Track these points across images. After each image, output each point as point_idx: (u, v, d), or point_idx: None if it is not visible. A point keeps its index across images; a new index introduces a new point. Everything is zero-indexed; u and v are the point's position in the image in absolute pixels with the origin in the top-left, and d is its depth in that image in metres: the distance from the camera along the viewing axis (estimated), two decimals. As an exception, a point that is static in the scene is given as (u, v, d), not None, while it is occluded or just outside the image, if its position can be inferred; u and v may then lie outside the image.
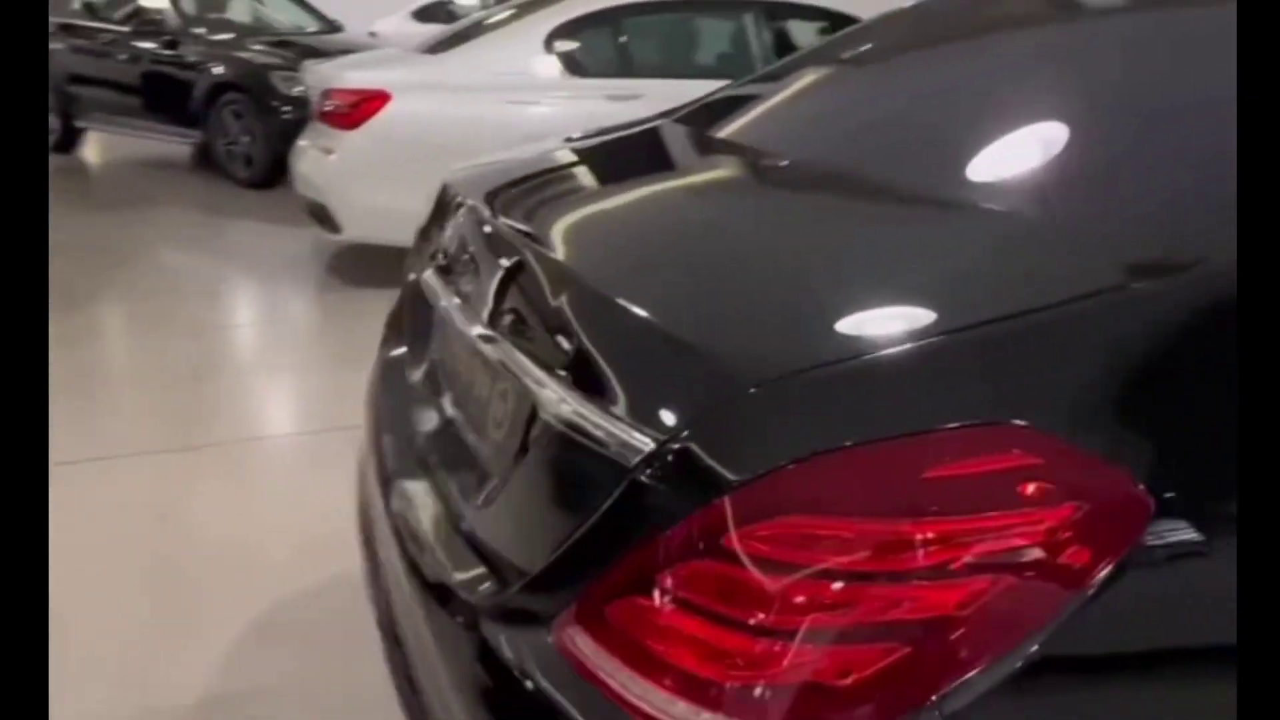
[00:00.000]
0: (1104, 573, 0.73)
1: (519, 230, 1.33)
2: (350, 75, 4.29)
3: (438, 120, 4.17)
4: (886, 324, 0.88)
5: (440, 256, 1.46)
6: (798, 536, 0.77)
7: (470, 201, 1.48)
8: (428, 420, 1.48)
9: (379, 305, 4.47)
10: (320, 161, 4.26)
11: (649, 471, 0.84)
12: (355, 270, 4.91)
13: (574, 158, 1.80)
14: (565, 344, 1.01)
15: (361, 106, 4.07)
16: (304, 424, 3.36)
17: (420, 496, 1.36)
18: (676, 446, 0.82)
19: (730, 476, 0.79)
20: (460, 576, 1.11)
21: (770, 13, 4.71)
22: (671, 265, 1.15)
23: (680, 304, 1.00)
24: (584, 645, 0.88)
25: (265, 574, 2.32)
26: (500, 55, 4.35)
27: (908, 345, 0.81)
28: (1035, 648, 0.73)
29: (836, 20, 5.11)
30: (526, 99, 4.28)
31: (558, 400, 0.98)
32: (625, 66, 4.48)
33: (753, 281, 1.06)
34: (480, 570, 1.10)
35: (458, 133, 4.21)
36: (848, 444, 0.76)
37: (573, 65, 4.39)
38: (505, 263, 1.23)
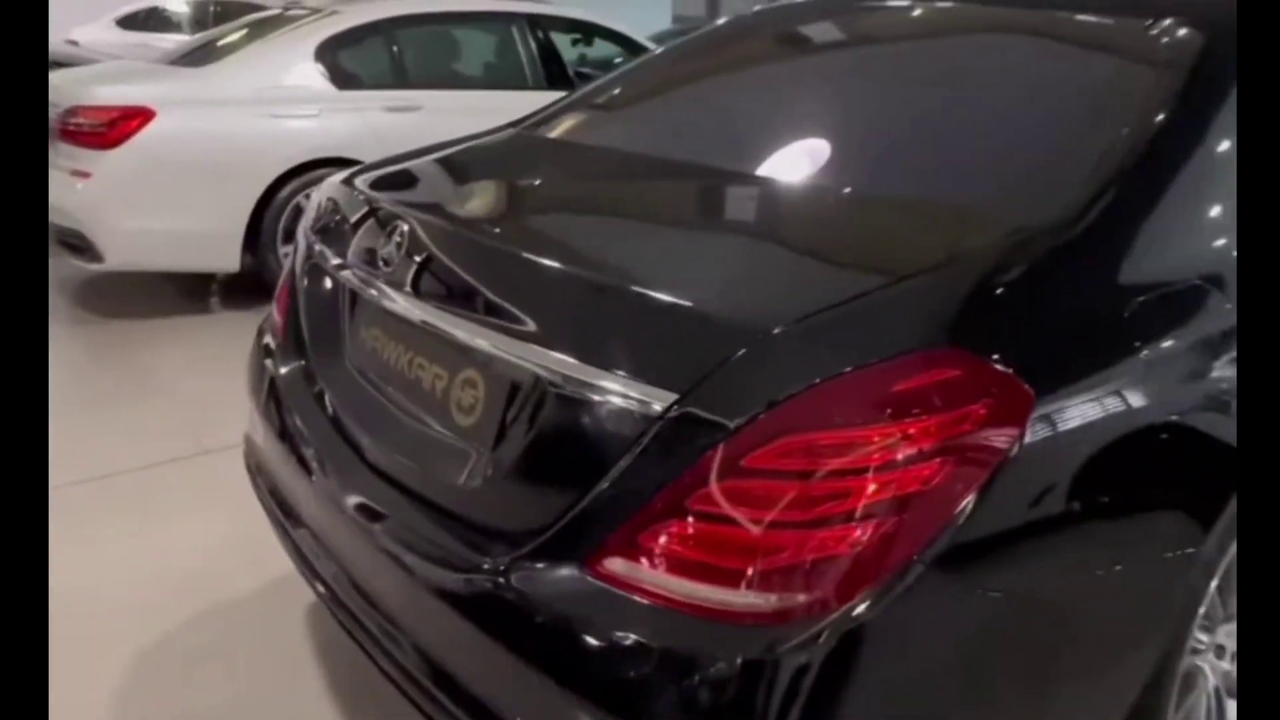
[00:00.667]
0: (1013, 444, 1.04)
1: (477, 227, 1.47)
2: (102, 91, 3.98)
3: (209, 137, 3.99)
4: (841, 282, 1.15)
5: (372, 260, 1.54)
6: (804, 448, 1.01)
7: (399, 204, 1.59)
8: (364, 419, 1.56)
9: (153, 335, 4.23)
10: (71, 186, 3.92)
11: (671, 419, 1.05)
12: (111, 300, 4.54)
13: (475, 159, 1.94)
14: (563, 325, 1.19)
15: (120, 124, 3.80)
16: (110, 465, 3.13)
17: (376, 492, 1.45)
18: (697, 394, 1.04)
19: (746, 411, 1.01)
20: (464, 550, 1.24)
21: (534, 25, 4.92)
22: (633, 250, 1.35)
23: (663, 281, 1.20)
24: (626, 570, 1.07)
25: (139, 622, 2.20)
26: (270, 68, 4.22)
27: (862, 297, 1.08)
28: (975, 506, 1.03)
29: (590, 32, 5.44)
30: (303, 113, 4.20)
31: (565, 374, 1.15)
32: (401, 78, 4.51)
33: (714, 257, 1.29)
34: (484, 539, 1.24)
35: (231, 149, 4.06)
36: (835, 373, 1.02)
37: (347, 78, 4.36)
38: (469, 260, 1.37)
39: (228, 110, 4.05)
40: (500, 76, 4.89)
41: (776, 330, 1.07)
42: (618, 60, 5.99)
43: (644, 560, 1.06)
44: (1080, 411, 1.11)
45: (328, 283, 1.73)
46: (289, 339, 1.85)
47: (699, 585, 1.03)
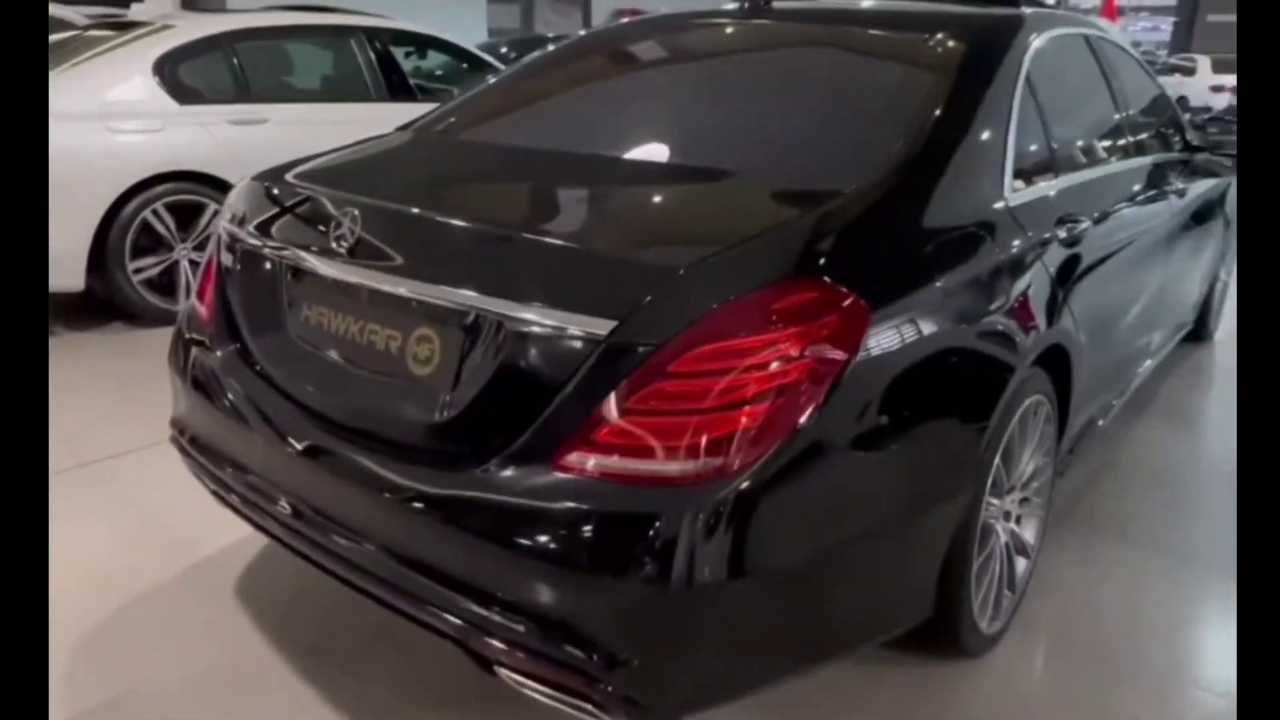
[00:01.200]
0: (858, 345, 1.44)
1: (417, 204, 1.74)
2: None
3: (50, 152, 3.91)
4: (723, 234, 1.52)
5: (316, 244, 1.77)
6: (710, 355, 1.37)
7: (337, 190, 1.83)
8: (317, 384, 1.78)
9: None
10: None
11: (613, 341, 1.38)
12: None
13: (389, 153, 2.20)
14: (512, 278, 1.49)
15: (-50, 143, 3.68)
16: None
17: (337, 440, 1.69)
18: (631, 321, 1.38)
19: (669, 331, 1.36)
20: (442, 470, 1.52)
21: (372, 37, 5.08)
22: (560, 217, 1.67)
23: (590, 238, 1.53)
24: (583, 461, 1.39)
25: (55, 622, 2.27)
26: (107, 83, 4.17)
27: (740, 244, 1.46)
28: (833, 392, 1.42)
29: (425, 44, 5.64)
30: (144, 128, 4.18)
31: (520, 316, 1.46)
32: (244, 92, 4.56)
33: (624, 220, 1.63)
34: (458, 459, 1.51)
35: (71, 165, 3.99)
36: (729, 299, 1.38)
37: (189, 92, 4.37)
38: (416, 233, 1.65)
39: (65, 126, 3.98)
40: (343, 89, 5.01)
41: (681, 271, 1.43)
42: (438, 72, 6.20)
43: (598, 451, 1.39)
44: (902, 317, 1.54)
45: (263, 273, 1.93)
46: (219, 327, 2.02)
47: (643, 463, 1.37)
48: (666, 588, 1.36)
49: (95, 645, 2.18)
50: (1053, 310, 2.03)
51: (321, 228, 1.78)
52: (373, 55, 5.05)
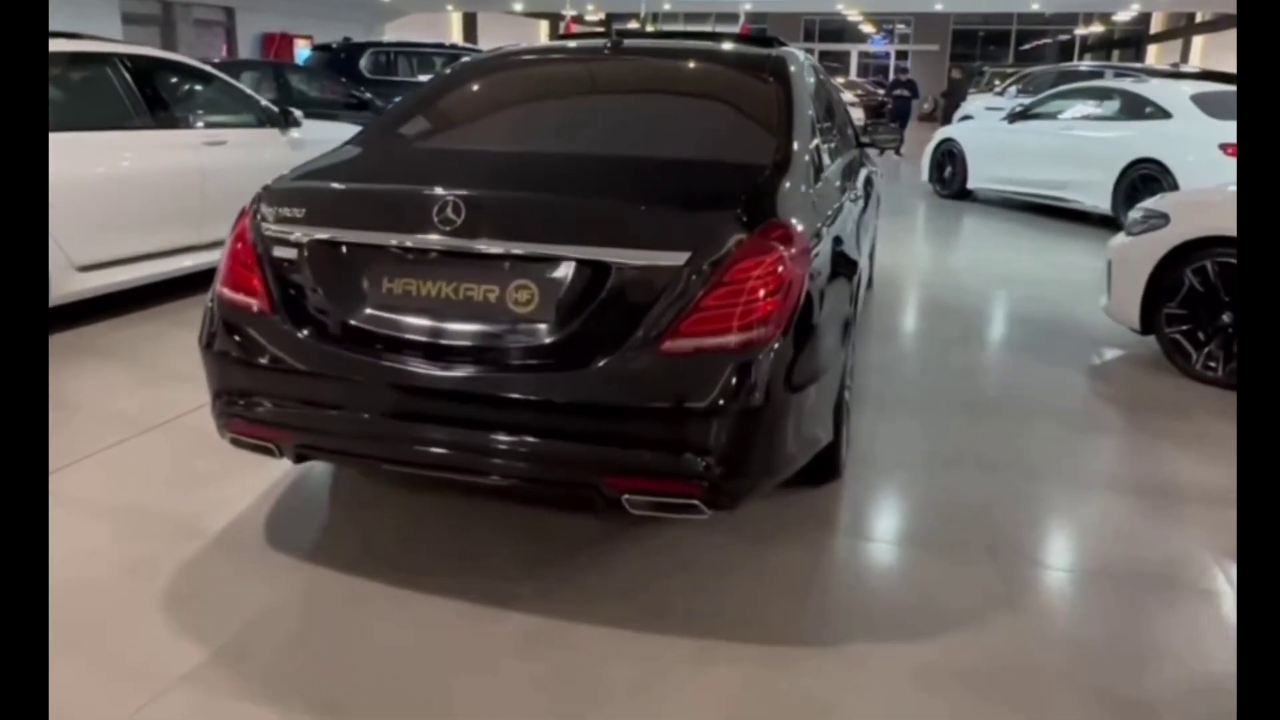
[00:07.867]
0: (810, 257, 2.38)
1: (484, 184, 2.41)
2: None
3: None
4: (727, 194, 2.37)
5: (398, 225, 2.35)
6: (742, 271, 2.22)
7: (409, 185, 2.44)
8: (424, 331, 2.33)
9: None
10: None
11: (688, 266, 2.19)
12: None
13: (397, 153, 2.92)
14: (607, 230, 2.22)
15: None
16: None
17: (465, 371, 2.27)
18: (696, 254, 2.19)
19: (720, 255, 2.20)
20: (564, 371, 2.21)
21: (125, 63, 5.06)
22: (609, 182, 2.43)
23: (650, 199, 2.32)
24: (678, 345, 2.18)
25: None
26: None
27: (741, 200, 2.33)
28: (807, 288, 2.35)
29: (187, 72, 5.62)
30: None
31: (619, 259, 2.19)
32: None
33: (656, 187, 2.42)
34: (579, 362, 2.21)
35: None
36: (748, 234, 2.25)
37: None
38: (499, 208, 2.32)
39: None
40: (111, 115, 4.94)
41: (717, 221, 2.26)
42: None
43: (687, 337, 2.17)
44: (818, 238, 2.52)
45: (334, 257, 2.40)
46: (276, 310, 2.43)
47: (716, 339, 2.18)
48: (737, 410, 2.19)
49: (187, 607, 2.43)
50: (857, 241, 3.14)
51: (416, 214, 2.31)
52: (130, 79, 5.03)
